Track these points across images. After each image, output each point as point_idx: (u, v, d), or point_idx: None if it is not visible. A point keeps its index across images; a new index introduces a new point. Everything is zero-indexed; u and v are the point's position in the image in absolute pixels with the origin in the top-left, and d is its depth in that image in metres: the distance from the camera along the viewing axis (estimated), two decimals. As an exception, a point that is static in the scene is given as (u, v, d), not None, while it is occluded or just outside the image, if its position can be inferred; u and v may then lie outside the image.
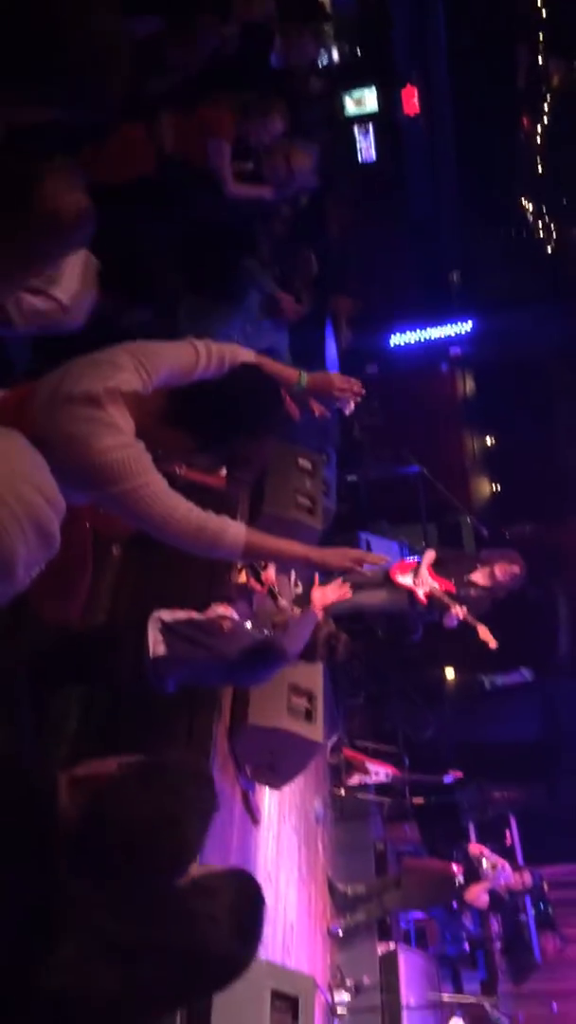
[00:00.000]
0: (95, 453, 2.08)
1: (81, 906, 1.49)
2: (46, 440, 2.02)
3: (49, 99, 1.57)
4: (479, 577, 6.27)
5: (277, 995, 3.09)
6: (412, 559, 6.58)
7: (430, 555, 6.49)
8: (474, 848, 6.39)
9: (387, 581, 6.44)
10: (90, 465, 2.08)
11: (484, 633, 6.17)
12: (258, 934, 1.61)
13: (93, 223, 1.91)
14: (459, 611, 6.15)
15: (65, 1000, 1.43)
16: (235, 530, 2.32)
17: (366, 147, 10.78)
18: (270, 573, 5.26)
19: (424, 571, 6.32)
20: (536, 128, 9.91)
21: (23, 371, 3.84)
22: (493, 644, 6.17)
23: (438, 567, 6.41)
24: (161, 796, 1.54)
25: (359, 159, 10.74)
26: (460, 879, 6.22)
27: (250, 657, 3.23)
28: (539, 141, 9.90)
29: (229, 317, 4.97)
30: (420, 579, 6.33)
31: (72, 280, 2.46)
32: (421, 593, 6.31)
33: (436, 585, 6.29)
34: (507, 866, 6.17)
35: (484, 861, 6.13)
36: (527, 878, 6.23)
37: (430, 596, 6.29)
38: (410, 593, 6.38)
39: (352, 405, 2.97)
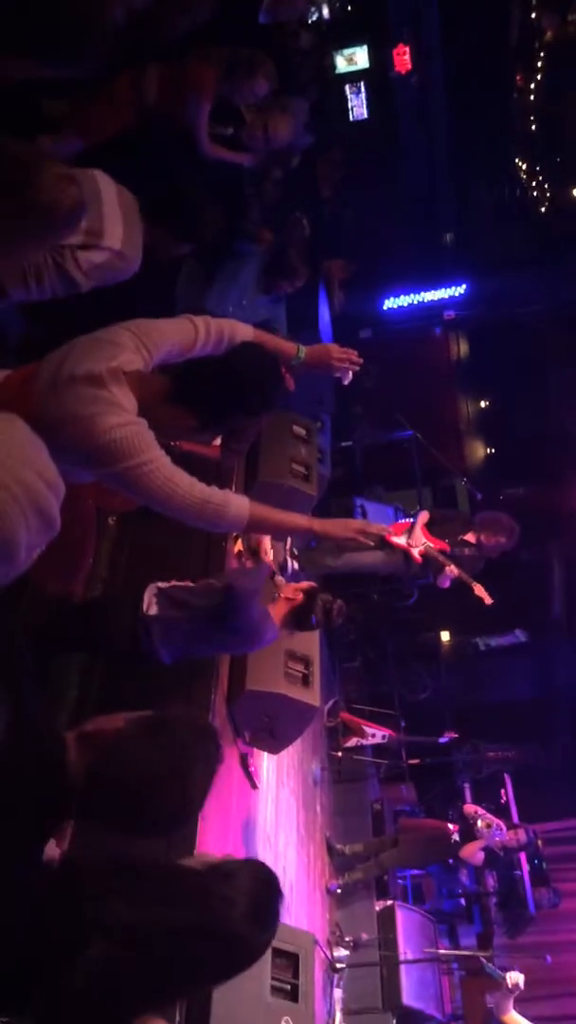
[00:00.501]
0: (99, 432, 2.10)
1: (95, 888, 1.53)
2: (50, 421, 2.03)
3: (36, 54, 1.57)
4: (473, 537, 6.38)
5: (278, 952, 3.17)
6: (406, 520, 6.69)
7: (424, 516, 6.58)
8: (469, 808, 6.50)
9: (382, 541, 6.50)
10: (95, 444, 2.11)
11: (479, 590, 6.28)
12: (275, 919, 1.65)
13: (84, 213, 1.93)
14: (452, 569, 6.25)
15: (81, 984, 1.47)
16: (238, 503, 2.35)
17: (357, 105, 10.62)
18: (266, 545, 5.31)
19: (418, 531, 6.42)
20: (529, 85, 9.75)
21: (17, 342, 3.83)
22: (489, 601, 6.28)
23: (432, 527, 6.51)
24: (166, 749, 1.58)
25: (350, 117, 10.59)
26: (456, 837, 6.33)
27: (218, 608, 3.28)
28: (532, 98, 9.74)
29: (226, 289, 4.94)
30: (414, 539, 6.43)
31: (116, 224, 2.47)
32: (416, 552, 6.41)
33: (431, 544, 6.39)
34: (502, 825, 6.28)
35: (479, 820, 6.23)
36: (522, 835, 6.34)
37: (425, 555, 6.37)
38: (405, 553, 6.47)
39: (350, 375, 2.98)
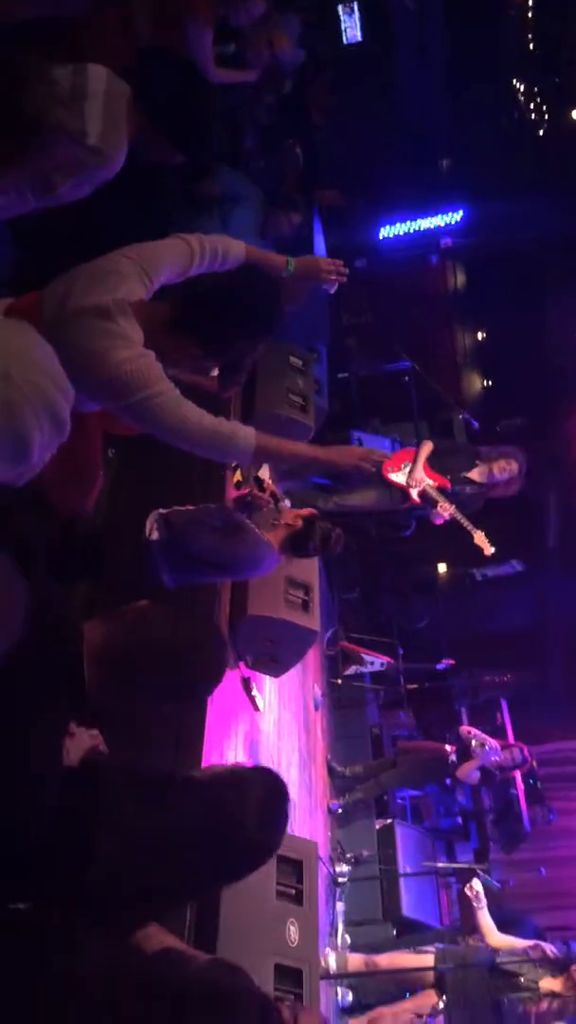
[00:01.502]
0: (110, 366, 2.14)
1: (110, 789, 1.61)
2: (59, 355, 2.06)
3: None
4: (476, 474, 6.08)
5: (282, 859, 3.31)
6: (409, 448, 6.31)
7: (427, 447, 6.21)
8: (464, 729, 6.66)
9: (378, 478, 6.28)
10: (106, 378, 2.15)
11: (480, 539, 6.04)
12: (284, 825, 1.75)
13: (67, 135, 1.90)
14: (447, 511, 6.00)
15: (100, 884, 1.56)
16: (245, 433, 2.40)
17: (351, 27, 10.26)
18: (265, 472, 5.34)
19: (419, 467, 6.10)
20: (527, 3, 9.44)
21: (10, 271, 3.81)
22: (489, 551, 6.06)
23: (434, 461, 6.17)
24: (183, 625, 1.75)
25: (343, 40, 10.25)
26: (453, 758, 6.52)
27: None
28: (530, 17, 9.44)
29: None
30: (415, 477, 6.09)
31: (95, 121, 2.42)
32: (415, 493, 6.13)
33: (431, 482, 6.10)
34: (496, 745, 6.45)
35: (473, 740, 6.40)
36: (516, 754, 6.52)
37: (423, 494, 6.11)
38: (402, 491, 6.23)
39: (336, 286, 3.02)
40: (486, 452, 6.19)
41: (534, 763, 7.59)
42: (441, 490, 6.07)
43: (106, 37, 3.46)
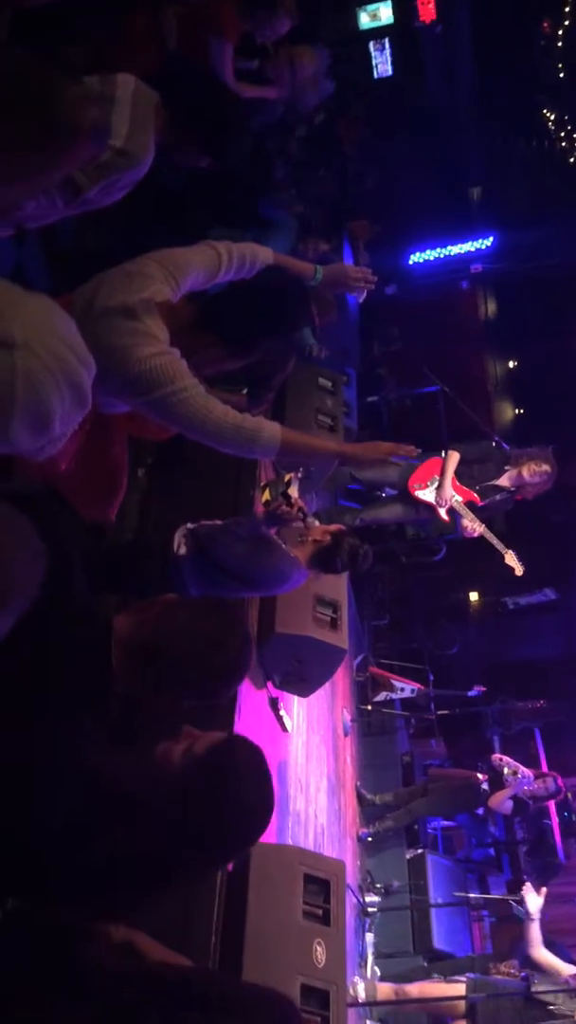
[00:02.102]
0: (134, 362, 2.16)
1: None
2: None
3: None
4: (505, 480, 5.87)
5: (309, 879, 3.25)
6: (434, 459, 6.03)
7: (454, 459, 5.91)
8: (496, 757, 6.54)
9: (404, 494, 6.12)
10: (131, 374, 2.17)
11: (511, 559, 5.92)
12: (271, 782, 1.72)
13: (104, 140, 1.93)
14: (476, 529, 5.83)
15: (114, 857, 1.55)
16: (271, 427, 2.40)
17: (382, 62, 10.45)
18: (294, 492, 5.34)
19: (448, 483, 5.87)
20: (557, 31, 9.54)
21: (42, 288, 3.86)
22: (520, 571, 5.93)
23: (462, 471, 5.93)
24: (208, 620, 1.76)
25: (374, 75, 10.43)
26: (485, 786, 6.39)
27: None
28: (560, 45, 9.53)
29: None
30: (443, 496, 5.86)
31: (122, 124, 2.45)
32: (443, 512, 5.92)
33: (459, 498, 5.91)
34: (529, 773, 6.32)
35: (505, 768, 6.27)
36: (550, 783, 6.38)
37: (451, 511, 5.91)
38: (426, 507, 6.02)
39: (364, 294, 3.03)
40: (515, 455, 5.95)
41: (568, 794, 7.44)
42: (470, 505, 5.88)
43: (133, 48, 3.54)
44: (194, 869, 1.75)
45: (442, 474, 5.90)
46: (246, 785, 1.65)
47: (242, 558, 3.36)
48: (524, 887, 5.31)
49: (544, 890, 5.36)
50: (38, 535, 1.27)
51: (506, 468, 5.89)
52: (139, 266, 2.34)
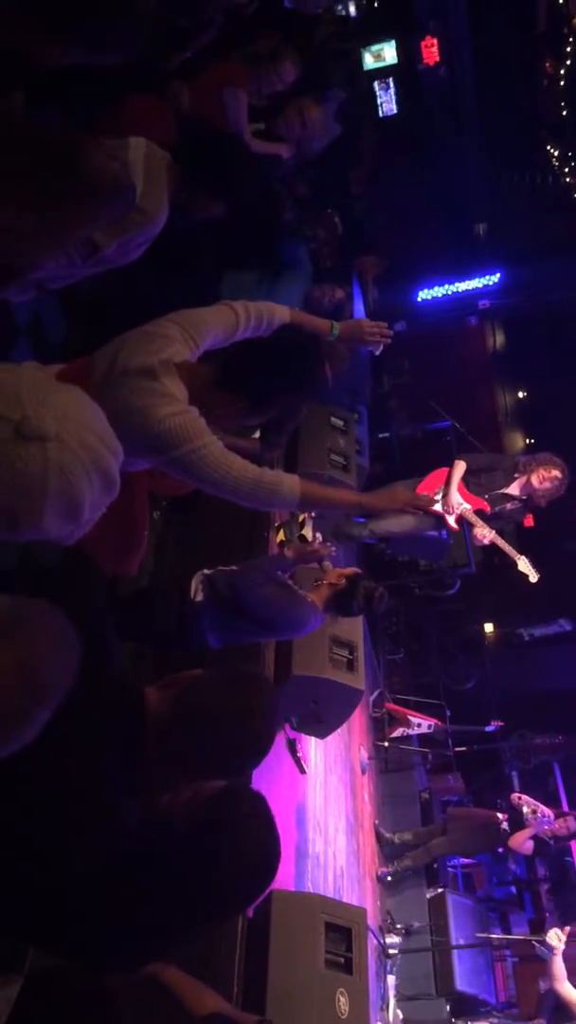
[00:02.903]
0: (154, 422, 2.21)
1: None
2: (107, 414, 2.14)
3: (75, 35, 1.62)
4: (515, 488, 5.78)
5: (331, 927, 3.24)
6: (440, 470, 5.97)
7: (460, 467, 5.86)
8: (515, 796, 6.48)
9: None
10: (151, 433, 2.21)
11: (524, 565, 5.77)
12: (276, 826, 1.74)
13: (131, 193, 1.98)
14: (487, 538, 5.71)
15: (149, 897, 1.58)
16: (290, 480, 2.44)
17: (387, 101, 10.64)
18: (309, 530, 5.36)
19: (454, 492, 5.80)
20: (559, 71, 9.69)
21: (59, 340, 3.94)
22: (534, 577, 5.77)
23: (470, 481, 5.87)
24: (240, 691, 1.75)
25: (380, 114, 10.62)
26: (505, 826, 6.34)
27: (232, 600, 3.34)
28: (562, 84, 9.68)
29: (273, 296, 5.01)
30: (450, 503, 5.78)
31: (137, 182, 2.52)
32: (452, 520, 5.83)
33: (468, 506, 5.83)
34: (549, 813, 6.26)
35: (525, 808, 6.22)
36: (572, 823, 6.31)
37: (460, 519, 5.83)
38: (436, 517, 5.89)
39: (381, 347, 3.06)
40: (524, 462, 5.86)
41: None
42: (480, 513, 5.79)
43: (146, 114, 3.62)
44: (200, 920, 1.76)
45: (447, 482, 5.84)
46: (245, 836, 1.64)
47: (267, 599, 3.39)
48: (548, 931, 5.26)
49: (568, 929, 5.31)
50: (71, 616, 1.30)
51: (515, 476, 5.82)
52: (158, 327, 2.40)
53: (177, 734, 1.68)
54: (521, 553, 5.80)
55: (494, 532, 5.76)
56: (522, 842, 6.28)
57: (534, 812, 6.16)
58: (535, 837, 6.29)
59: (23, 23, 1.73)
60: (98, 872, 1.53)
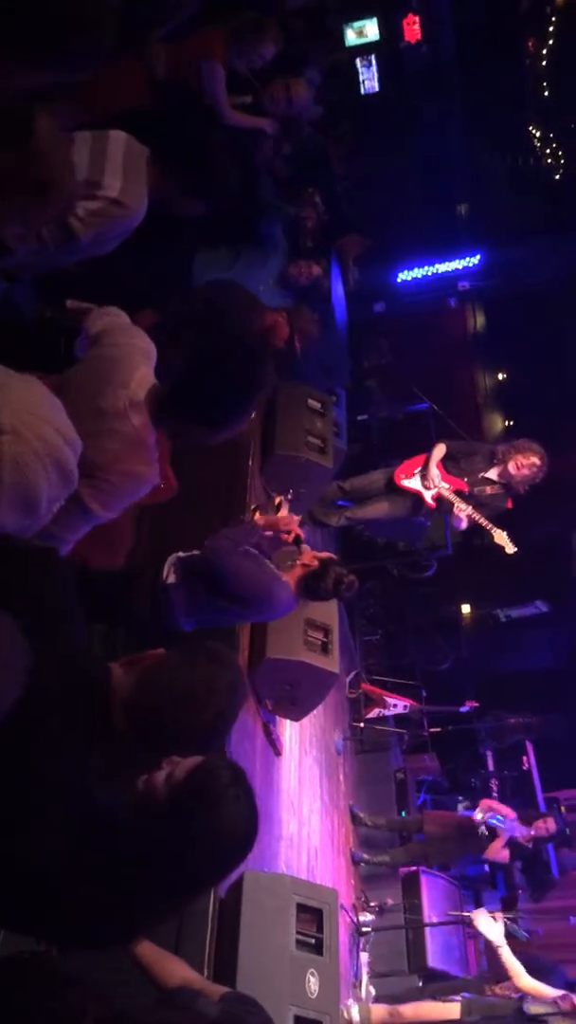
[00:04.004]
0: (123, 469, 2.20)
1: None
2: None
3: (41, 61, 1.59)
4: (494, 474, 5.86)
5: (302, 908, 3.26)
6: (420, 455, 6.08)
7: (440, 449, 5.96)
8: (485, 805, 6.49)
9: (390, 487, 6.10)
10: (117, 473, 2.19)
11: (500, 538, 5.83)
12: (254, 798, 1.75)
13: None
14: (463, 512, 5.78)
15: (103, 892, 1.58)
16: None
17: (368, 78, 10.53)
18: (284, 512, 5.36)
19: (433, 469, 5.89)
20: (541, 51, 9.63)
21: (32, 318, 3.88)
22: (511, 549, 5.83)
23: (450, 465, 5.96)
24: (201, 669, 1.78)
25: (361, 91, 10.51)
26: (483, 829, 6.33)
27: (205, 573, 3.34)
28: (544, 64, 9.63)
29: (247, 279, 4.96)
30: (429, 480, 5.88)
31: (114, 177, 2.49)
32: (429, 497, 5.91)
33: (446, 486, 5.89)
34: (513, 815, 6.30)
35: (492, 820, 6.22)
36: (551, 824, 6.36)
37: (439, 499, 5.91)
38: (415, 499, 6.02)
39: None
40: (502, 450, 5.95)
41: (562, 808, 7.46)
42: (459, 493, 5.86)
43: (122, 82, 3.56)
44: (180, 894, 1.77)
45: (427, 461, 5.92)
46: (226, 804, 1.67)
47: (237, 569, 3.38)
48: (474, 911, 5.24)
49: (500, 915, 5.30)
50: (29, 596, 1.28)
51: (494, 462, 5.88)
52: (125, 351, 2.34)
53: (142, 712, 1.70)
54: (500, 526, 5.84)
55: (470, 507, 5.81)
56: (497, 851, 6.32)
57: (503, 818, 6.22)
58: (511, 844, 6.30)
59: None
60: (65, 849, 1.53)
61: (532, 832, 6.28)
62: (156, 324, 2.67)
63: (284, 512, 5.41)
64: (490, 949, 6.16)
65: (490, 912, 5.31)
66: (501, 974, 5.05)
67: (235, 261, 5.07)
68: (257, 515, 3.96)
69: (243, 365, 2.38)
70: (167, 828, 1.62)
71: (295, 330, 5.35)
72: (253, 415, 4.05)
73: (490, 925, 5.14)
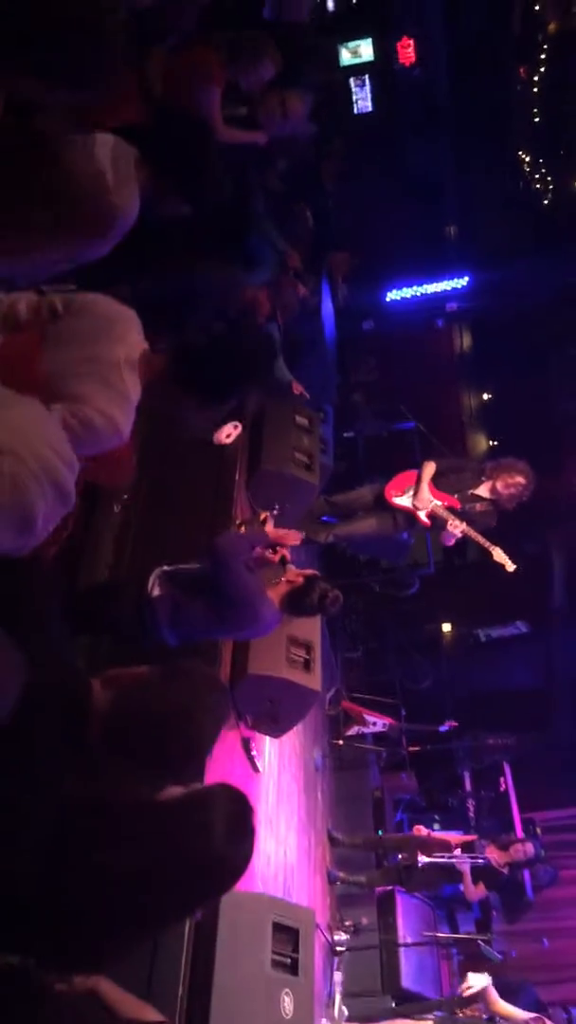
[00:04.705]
0: (102, 408, 2.14)
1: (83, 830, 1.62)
2: (62, 396, 2.07)
3: (47, 72, 1.60)
4: (484, 490, 5.85)
5: (278, 927, 3.24)
6: (410, 472, 6.05)
7: (430, 468, 5.95)
8: (455, 848, 6.41)
9: (378, 503, 6.08)
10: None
11: (499, 555, 5.80)
12: (252, 835, 1.73)
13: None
14: (457, 528, 5.76)
15: (84, 910, 1.56)
16: None
17: (362, 98, 10.65)
18: (270, 527, 5.35)
19: (425, 488, 5.87)
20: (533, 77, 9.77)
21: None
22: (511, 567, 5.80)
23: (440, 482, 5.94)
24: (181, 692, 1.74)
25: (355, 110, 10.62)
26: (464, 867, 6.29)
27: (209, 577, 3.32)
28: (536, 90, 9.76)
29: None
30: (420, 498, 5.86)
31: (106, 175, 2.48)
32: (423, 515, 5.89)
33: (439, 503, 5.87)
34: (484, 844, 6.30)
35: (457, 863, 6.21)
36: (529, 849, 6.34)
37: (432, 516, 5.88)
38: (405, 515, 5.97)
39: None
40: (489, 468, 5.96)
41: (538, 830, 7.47)
42: (451, 510, 5.85)
43: (119, 98, 3.56)
44: (161, 915, 1.74)
45: (418, 480, 5.90)
46: (220, 831, 1.64)
47: (242, 575, 3.37)
48: (467, 976, 5.23)
49: (486, 975, 5.27)
50: (9, 607, 1.28)
51: (482, 479, 5.90)
52: (121, 313, 2.34)
53: (118, 733, 1.67)
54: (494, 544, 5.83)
55: (464, 524, 5.81)
56: (471, 889, 6.30)
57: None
58: (483, 873, 6.27)
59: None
60: (39, 867, 1.51)
61: (509, 857, 6.26)
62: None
63: (270, 527, 5.43)
64: (464, 969, 6.16)
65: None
66: (471, 997, 5.04)
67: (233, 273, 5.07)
68: (269, 525, 3.96)
69: (251, 348, 2.38)
70: (155, 842, 1.59)
71: (276, 306, 5.34)
72: (239, 427, 4.04)
73: (479, 978, 5.15)
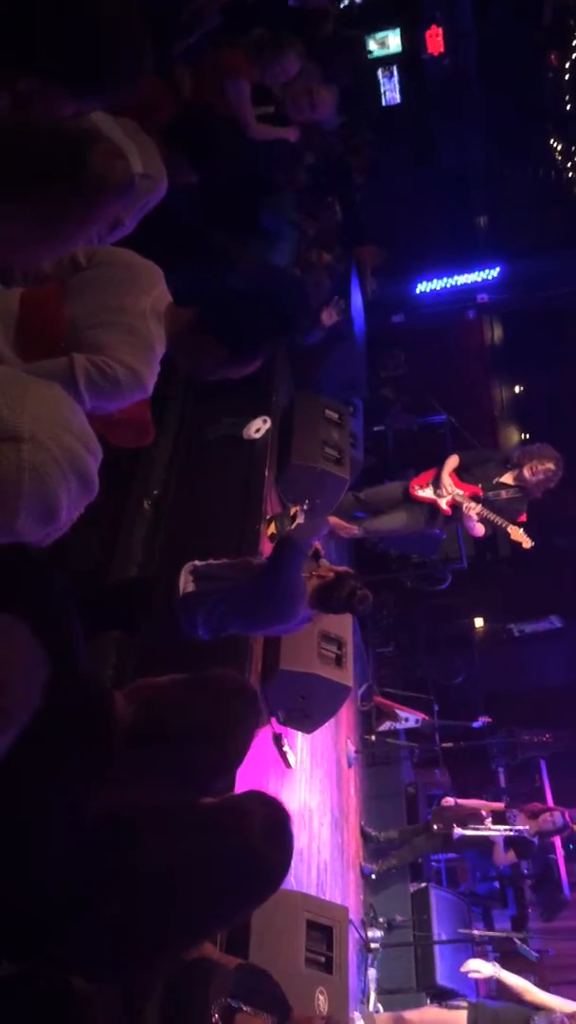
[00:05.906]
0: (126, 360, 2.10)
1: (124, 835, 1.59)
2: (85, 345, 2.03)
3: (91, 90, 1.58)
4: (509, 478, 5.82)
5: (312, 925, 3.22)
6: (434, 468, 6.08)
7: (452, 461, 5.97)
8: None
9: (406, 498, 6.09)
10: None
11: (516, 534, 5.76)
12: (290, 840, 1.69)
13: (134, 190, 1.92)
14: (474, 511, 5.73)
15: (116, 924, 1.53)
16: None
17: (390, 90, 10.55)
18: (333, 518, 5.32)
19: (446, 478, 5.89)
20: (564, 64, 9.62)
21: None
22: (527, 544, 5.76)
23: (464, 475, 5.94)
24: (208, 704, 1.68)
25: (383, 102, 10.53)
26: (489, 821, 6.28)
27: (268, 565, 3.28)
28: (567, 77, 9.61)
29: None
30: (442, 488, 5.88)
31: (131, 153, 2.45)
32: (444, 503, 5.90)
33: (460, 492, 5.87)
34: (515, 813, 6.23)
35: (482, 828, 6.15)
36: (557, 818, 6.28)
37: (454, 505, 5.87)
38: (431, 509, 6.00)
39: None
40: (517, 455, 5.94)
41: (575, 826, 7.37)
42: (473, 497, 5.84)
43: (150, 102, 3.55)
44: (196, 930, 1.72)
45: (439, 469, 5.94)
46: (258, 838, 1.61)
47: (298, 573, 3.34)
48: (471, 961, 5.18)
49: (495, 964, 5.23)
50: (28, 618, 1.25)
51: (508, 467, 5.86)
52: (147, 267, 2.29)
53: (141, 747, 1.63)
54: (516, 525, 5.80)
55: (480, 505, 5.77)
56: (500, 854, 6.24)
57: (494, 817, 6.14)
58: (515, 842, 6.22)
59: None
60: (60, 881, 1.48)
61: (538, 826, 6.18)
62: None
63: (333, 518, 5.38)
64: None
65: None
66: (511, 995, 4.98)
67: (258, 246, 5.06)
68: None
69: (279, 299, 2.33)
70: (190, 860, 1.56)
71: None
72: (268, 421, 3.97)
73: (481, 965, 5.11)
